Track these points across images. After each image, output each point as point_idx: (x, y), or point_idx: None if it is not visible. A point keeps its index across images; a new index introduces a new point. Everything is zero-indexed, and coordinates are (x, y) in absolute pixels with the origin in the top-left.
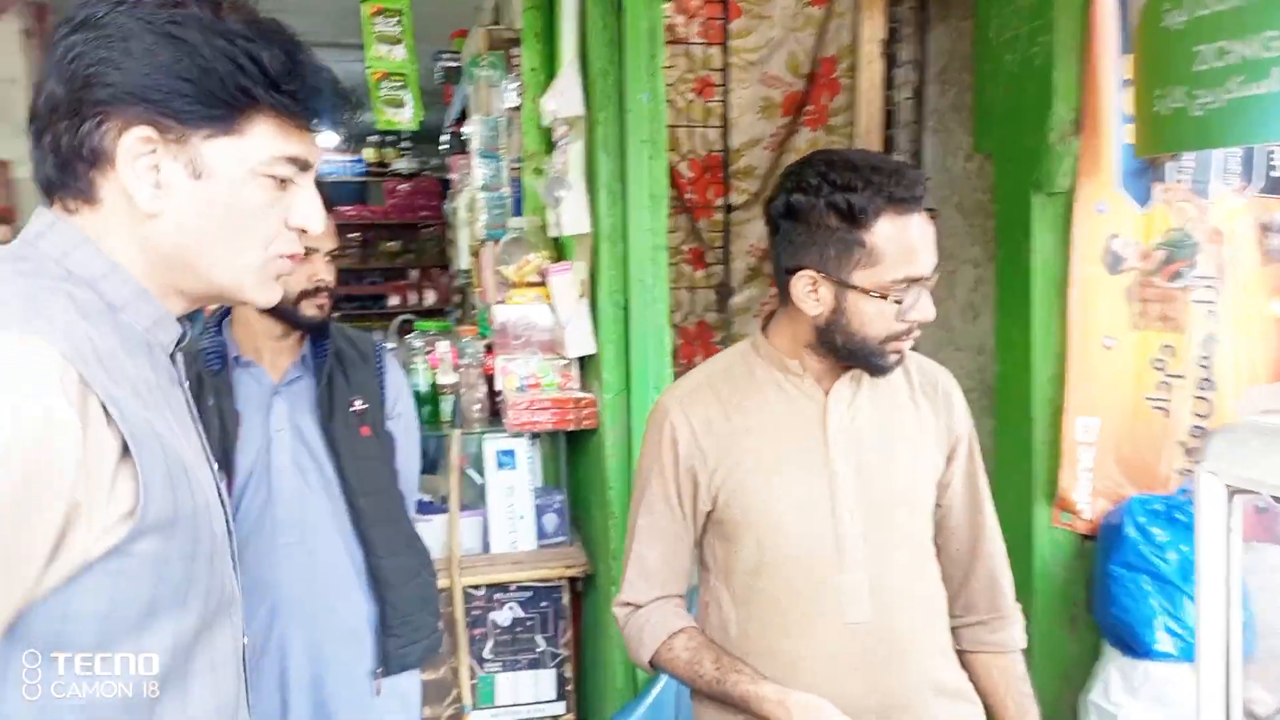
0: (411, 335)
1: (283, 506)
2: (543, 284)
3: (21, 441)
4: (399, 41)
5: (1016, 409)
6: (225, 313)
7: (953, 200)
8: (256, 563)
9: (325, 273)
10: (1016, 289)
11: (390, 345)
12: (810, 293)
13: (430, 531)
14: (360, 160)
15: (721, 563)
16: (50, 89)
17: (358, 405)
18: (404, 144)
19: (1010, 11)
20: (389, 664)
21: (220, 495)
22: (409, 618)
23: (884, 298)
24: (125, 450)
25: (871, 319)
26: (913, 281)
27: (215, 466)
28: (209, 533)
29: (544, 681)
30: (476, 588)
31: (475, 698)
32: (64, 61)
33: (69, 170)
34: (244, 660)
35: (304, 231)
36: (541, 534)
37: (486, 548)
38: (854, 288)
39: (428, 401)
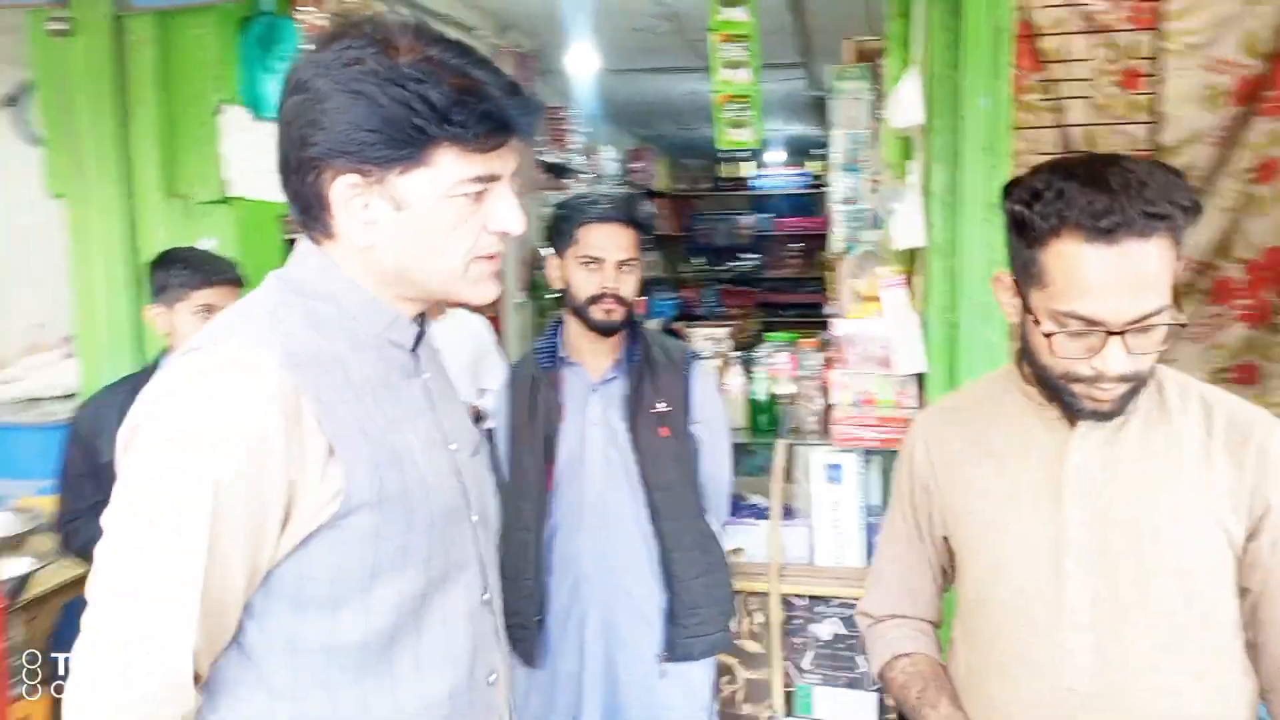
0: (763, 345)
1: (591, 492)
2: None
3: (245, 428)
4: (744, 65)
5: None
6: (561, 319)
7: None
8: (566, 539)
9: (612, 280)
10: None
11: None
12: (1010, 298)
13: (758, 536)
14: (807, 174)
15: (958, 594)
16: (282, 149)
17: (660, 407)
18: None
19: None
20: (673, 651)
21: (459, 474)
22: (695, 611)
23: (1038, 323)
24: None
25: (1038, 346)
26: (1088, 323)
27: (456, 446)
28: (425, 508)
29: (865, 704)
30: (799, 597)
31: (792, 705)
32: (284, 125)
33: (307, 213)
34: (495, 612)
35: (506, 234)
36: (871, 552)
37: (812, 559)
38: (1026, 305)
39: (764, 410)
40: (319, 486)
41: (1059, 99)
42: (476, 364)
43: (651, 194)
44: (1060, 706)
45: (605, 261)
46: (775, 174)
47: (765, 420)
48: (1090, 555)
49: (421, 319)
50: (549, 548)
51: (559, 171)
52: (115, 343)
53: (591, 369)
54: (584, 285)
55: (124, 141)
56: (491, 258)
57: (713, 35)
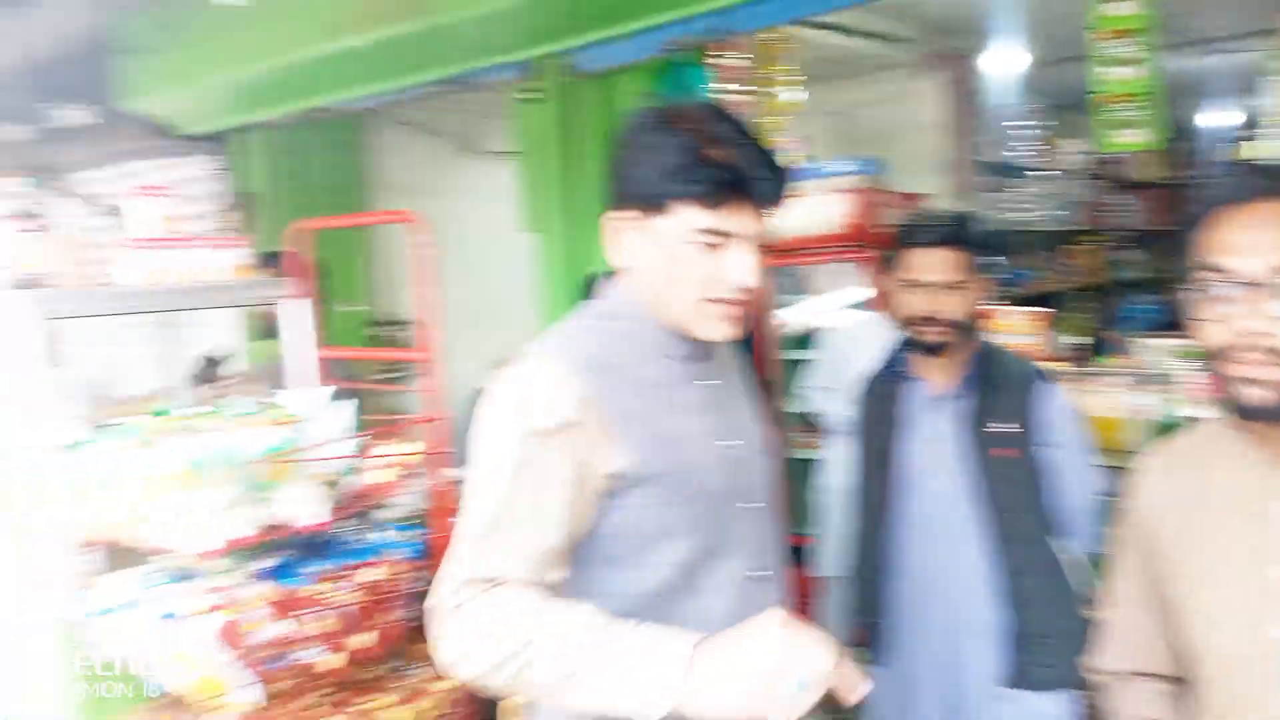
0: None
1: (927, 503)
2: None
3: (553, 406)
4: (1135, 62)
5: None
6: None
7: None
8: (905, 548)
9: (926, 304)
10: None
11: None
12: None
13: None
14: None
15: None
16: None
17: (998, 427)
18: None
19: None
20: (1011, 678)
21: (734, 466)
22: (1037, 639)
23: None
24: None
25: None
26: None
27: (734, 443)
28: (698, 486)
29: None
30: None
31: None
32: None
33: (606, 243)
34: (775, 588)
35: (741, 286)
36: None
37: None
38: None
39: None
40: (608, 464)
41: None
42: None
43: (1126, 185)
44: None
45: (922, 284)
46: None
47: None
48: None
49: (701, 341)
50: (889, 554)
51: (1007, 172)
52: None
53: (933, 385)
54: (902, 306)
55: (570, 185)
56: (727, 303)
57: (1091, 34)
